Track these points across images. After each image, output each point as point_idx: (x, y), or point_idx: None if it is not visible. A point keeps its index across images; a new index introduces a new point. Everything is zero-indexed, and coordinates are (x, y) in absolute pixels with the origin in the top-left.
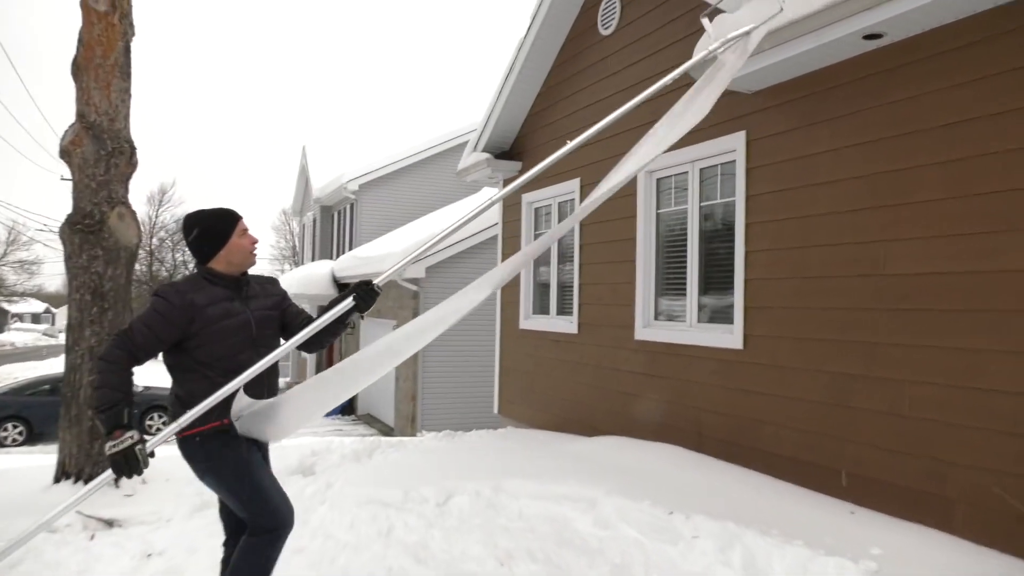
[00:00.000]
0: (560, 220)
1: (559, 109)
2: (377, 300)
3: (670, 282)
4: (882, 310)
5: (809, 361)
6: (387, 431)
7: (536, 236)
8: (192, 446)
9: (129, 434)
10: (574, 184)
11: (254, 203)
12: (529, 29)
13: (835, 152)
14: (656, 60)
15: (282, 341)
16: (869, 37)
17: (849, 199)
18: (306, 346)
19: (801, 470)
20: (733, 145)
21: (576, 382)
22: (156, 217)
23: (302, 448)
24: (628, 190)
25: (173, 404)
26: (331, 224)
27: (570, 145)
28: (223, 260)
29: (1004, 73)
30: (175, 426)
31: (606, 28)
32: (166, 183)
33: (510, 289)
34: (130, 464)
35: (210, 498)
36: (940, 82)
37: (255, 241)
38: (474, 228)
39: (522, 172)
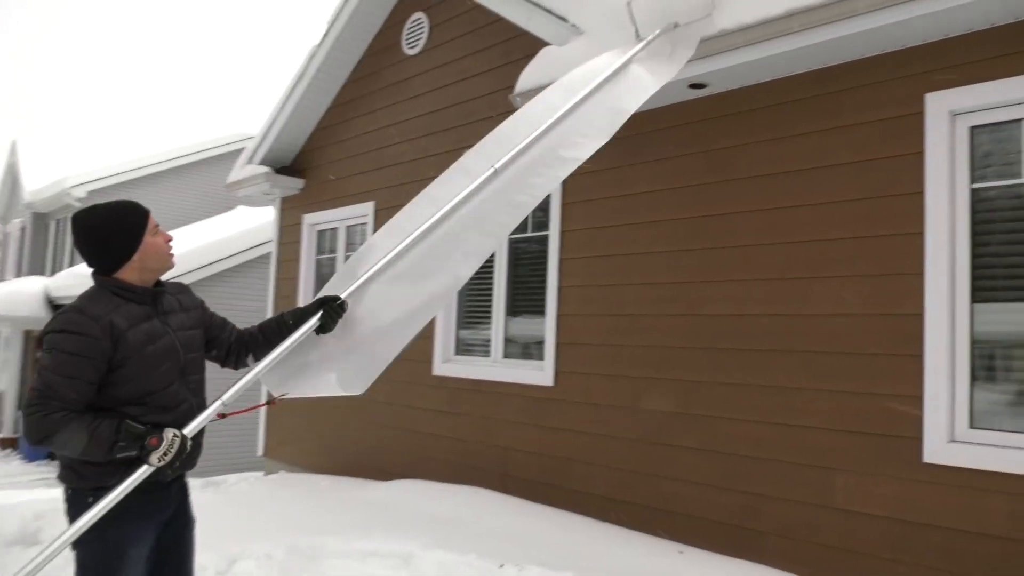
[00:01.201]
0: (347, 245)
1: (354, 126)
2: None
3: (474, 315)
4: (698, 348)
5: (623, 398)
6: None
7: (318, 260)
8: (80, 505)
9: (170, 434)
10: (367, 207)
11: None
12: (325, 38)
13: (654, 193)
14: (467, 86)
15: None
16: (694, 86)
17: (667, 240)
18: (238, 362)
19: (615, 508)
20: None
21: (365, 421)
22: None
23: (22, 510)
24: None
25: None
26: (45, 235)
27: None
28: (136, 267)
29: (815, 133)
30: (213, 408)
31: (412, 47)
32: None
33: None
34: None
35: None
36: (759, 135)
37: (170, 239)
38: (246, 243)
39: (305, 189)
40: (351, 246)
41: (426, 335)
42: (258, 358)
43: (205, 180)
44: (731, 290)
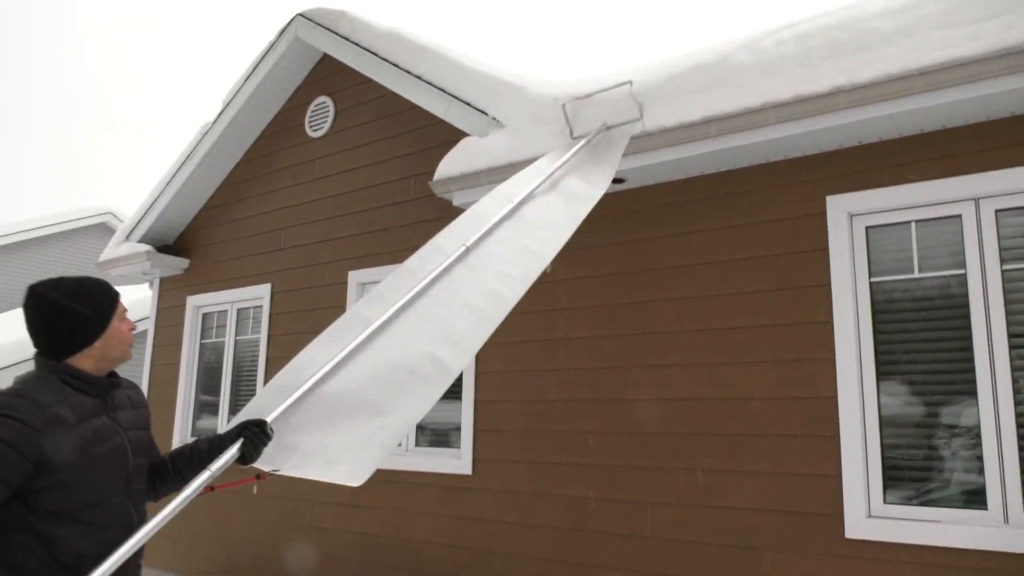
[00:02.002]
0: (237, 328)
1: (250, 206)
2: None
3: None
4: (620, 433)
5: (546, 485)
6: None
7: (202, 344)
8: None
9: None
10: (263, 289)
11: None
12: (220, 116)
13: (574, 280)
14: (376, 170)
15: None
16: (615, 180)
17: (588, 326)
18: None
19: None
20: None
21: (253, 517)
22: None
23: None
24: (334, 300)
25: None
26: None
27: None
28: (95, 355)
29: (726, 228)
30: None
31: (316, 130)
32: None
33: (163, 401)
34: None
35: None
36: (673, 228)
37: (134, 327)
38: None
39: (190, 270)
40: (242, 329)
41: None
42: (161, 495)
43: (60, 255)
44: (652, 375)
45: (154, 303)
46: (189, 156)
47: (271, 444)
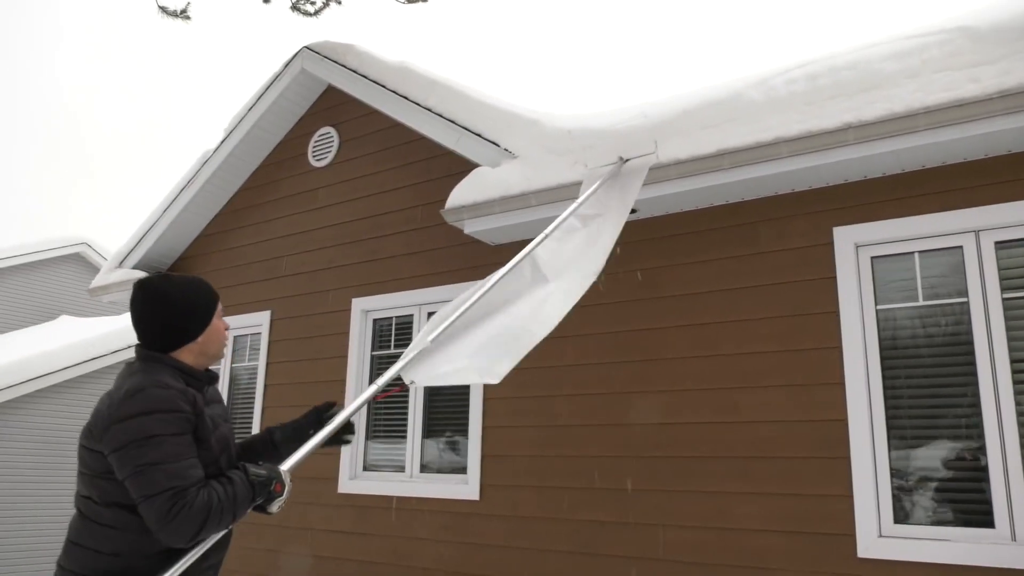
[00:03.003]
0: (234, 355)
1: (248, 234)
2: None
3: (387, 428)
4: (631, 457)
5: (555, 510)
6: None
7: None
8: None
9: (287, 478)
10: (263, 316)
11: None
12: (222, 144)
13: (583, 308)
14: (382, 199)
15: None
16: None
17: (597, 353)
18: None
19: None
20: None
21: (250, 545)
22: None
23: None
24: (336, 327)
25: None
26: None
27: None
28: (196, 349)
29: (734, 258)
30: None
31: (319, 160)
32: None
33: None
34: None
35: None
36: (683, 258)
37: (228, 327)
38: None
39: None
40: (239, 356)
41: (330, 452)
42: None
43: (34, 285)
44: (662, 400)
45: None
46: (189, 183)
47: (424, 363)
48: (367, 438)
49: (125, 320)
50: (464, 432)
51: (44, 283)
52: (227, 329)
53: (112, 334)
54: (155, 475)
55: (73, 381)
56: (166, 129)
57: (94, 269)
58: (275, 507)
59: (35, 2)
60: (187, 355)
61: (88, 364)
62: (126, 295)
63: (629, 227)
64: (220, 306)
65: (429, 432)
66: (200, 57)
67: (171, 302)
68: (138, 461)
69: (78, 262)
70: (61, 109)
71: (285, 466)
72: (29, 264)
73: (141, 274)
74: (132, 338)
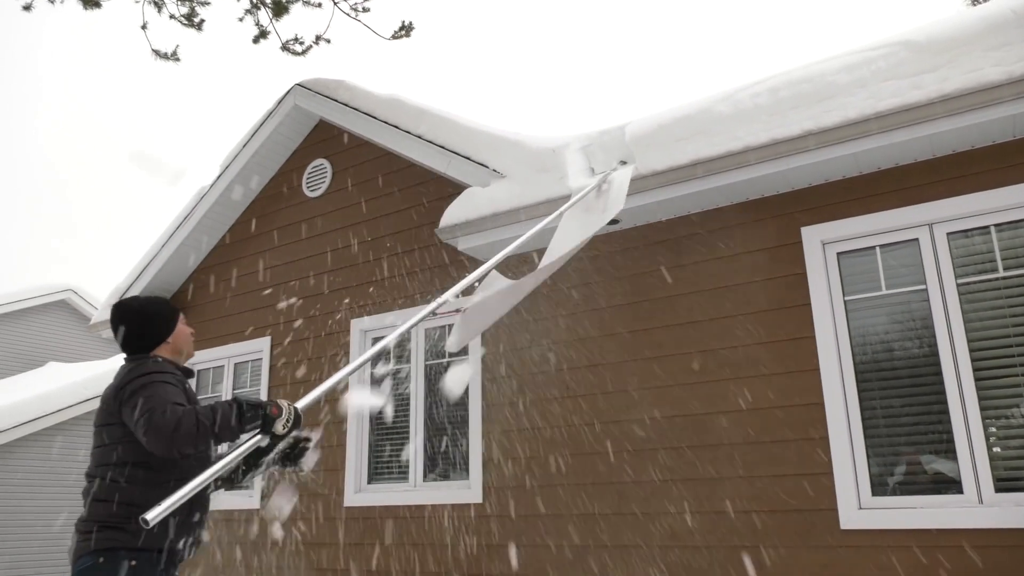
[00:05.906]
0: (235, 382)
1: (245, 264)
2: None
3: (390, 439)
4: (627, 451)
5: (557, 507)
6: None
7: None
8: (115, 571)
9: (285, 403)
10: (262, 343)
11: None
12: (218, 180)
13: (574, 315)
14: (376, 224)
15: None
16: (610, 222)
17: (589, 355)
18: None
19: None
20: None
21: (253, 568)
22: None
23: None
24: (336, 348)
25: (110, 517)
26: None
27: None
28: (169, 348)
29: (714, 260)
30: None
31: (313, 191)
32: None
33: None
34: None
35: None
36: (666, 262)
37: (193, 331)
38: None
39: None
40: (239, 383)
41: (335, 466)
42: None
43: (20, 332)
44: (653, 396)
45: None
46: (186, 218)
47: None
48: (370, 451)
49: (112, 363)
50: (465, 435)
51: (30, 331)
52: (192, 333)
53: (102, 375)
54: (150, 402)
55: (67, 423)
56: (151, 170)
57: (80, 315)
58: (278, 426)
59: (15, 48)
60: (164, 351)
61: (81, 406)
62: None
63: (612, 238)
64: (182, 315)
65: (430, 439)
66: (189, 98)
67: (143, 313)
68: (142, 396)
69: (64, 309)
70: (39, 158)
71: (300, 403)
72: (15, 312)
73: None
74: None
